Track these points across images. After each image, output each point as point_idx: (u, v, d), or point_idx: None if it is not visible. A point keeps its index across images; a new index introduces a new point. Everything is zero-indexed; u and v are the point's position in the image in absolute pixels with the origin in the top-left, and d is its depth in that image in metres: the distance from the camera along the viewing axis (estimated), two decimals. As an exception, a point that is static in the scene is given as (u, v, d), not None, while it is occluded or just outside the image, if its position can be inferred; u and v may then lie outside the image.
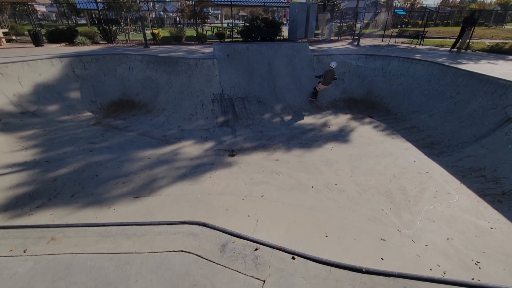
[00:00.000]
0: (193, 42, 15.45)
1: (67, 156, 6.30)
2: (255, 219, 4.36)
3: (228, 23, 29.92)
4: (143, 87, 9.98)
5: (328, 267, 2.42)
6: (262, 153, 6.77)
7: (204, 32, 17.64)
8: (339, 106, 10.13)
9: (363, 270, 2.33)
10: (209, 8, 32.61)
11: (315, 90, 9.66)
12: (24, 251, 2.04)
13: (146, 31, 13.36)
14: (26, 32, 15.05)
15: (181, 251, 1.86)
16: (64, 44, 13.79)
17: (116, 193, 4.96)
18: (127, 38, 16.23)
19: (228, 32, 17.67)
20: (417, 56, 10.70)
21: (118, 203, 4.65)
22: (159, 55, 10.34)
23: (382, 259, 3.61)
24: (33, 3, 19.94)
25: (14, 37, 14.99)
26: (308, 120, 8.95)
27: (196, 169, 5.90)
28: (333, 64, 9.07)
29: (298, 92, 10.29)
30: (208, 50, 12.00)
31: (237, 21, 37.00)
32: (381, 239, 3.98)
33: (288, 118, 9.05)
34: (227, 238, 1.97)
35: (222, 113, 8.88)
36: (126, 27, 18.16)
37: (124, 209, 4.49)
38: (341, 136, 7.78)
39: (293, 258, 2.67)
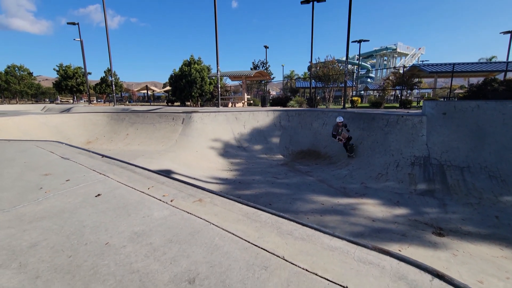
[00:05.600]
0: (393, 106, 14.31)
1: (254, 182, 6.93)
2: None
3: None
4: (332, 140, 9.91)
5: None
6: (502, 249, 3.98)
7: (408, 99, 16.07)
8: None
9: None
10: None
11: None
12: (171, 201, 1.83)
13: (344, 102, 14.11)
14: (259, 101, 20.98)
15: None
16: (280, 106, 17.51)
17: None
18: (326, 106, 18.05)
19: (439, 99, 14.96)
20: None
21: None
22: (355, 111, 10.13)
23: None
24: (268, 80, 28.06)
25: (252, 101, 21.28)
26: None
27: (379, 234, 4.33)
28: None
29: None
30: (412, 111, 10.36)
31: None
32: None
33: (560, 211, 5.20)
34: None
35: (425, 180, 6.69)
36: (328, 98, 20.48)
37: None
38: None
39: None
